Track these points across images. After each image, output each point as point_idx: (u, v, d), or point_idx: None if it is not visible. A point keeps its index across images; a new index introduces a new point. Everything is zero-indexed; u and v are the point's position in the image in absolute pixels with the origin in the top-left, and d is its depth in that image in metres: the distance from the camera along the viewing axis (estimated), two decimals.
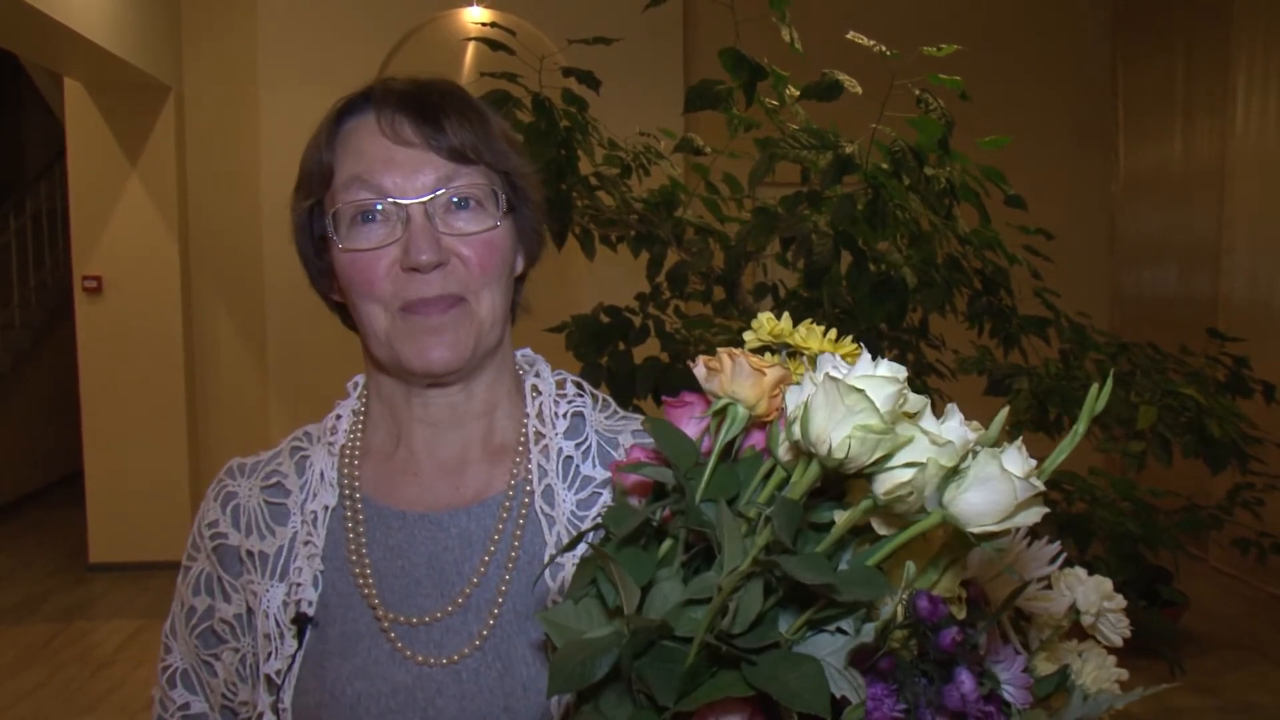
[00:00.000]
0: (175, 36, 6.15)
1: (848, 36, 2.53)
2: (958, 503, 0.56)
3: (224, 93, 6.22)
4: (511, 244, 0.98)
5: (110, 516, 6.07)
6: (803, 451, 0.59)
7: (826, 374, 0.57)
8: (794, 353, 0.74)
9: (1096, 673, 0.75)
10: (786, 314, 0.74)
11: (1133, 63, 6.89)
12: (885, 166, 2.40)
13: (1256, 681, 4.46)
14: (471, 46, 5.87)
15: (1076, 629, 0.78)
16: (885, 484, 0.57)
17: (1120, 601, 0.78)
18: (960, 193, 2.54)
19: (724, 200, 3.04)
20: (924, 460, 0.56)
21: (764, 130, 2.64)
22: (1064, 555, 0.74)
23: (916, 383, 2.94)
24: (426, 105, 0.93)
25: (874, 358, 0.59)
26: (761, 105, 2.62)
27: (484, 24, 3.22)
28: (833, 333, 0.73)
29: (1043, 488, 0.56)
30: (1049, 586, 0.76)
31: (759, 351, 0.74)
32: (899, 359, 2.93)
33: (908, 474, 0.56)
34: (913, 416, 0.57)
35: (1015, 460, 0.56)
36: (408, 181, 0.92)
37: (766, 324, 0.74)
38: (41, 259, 8.39)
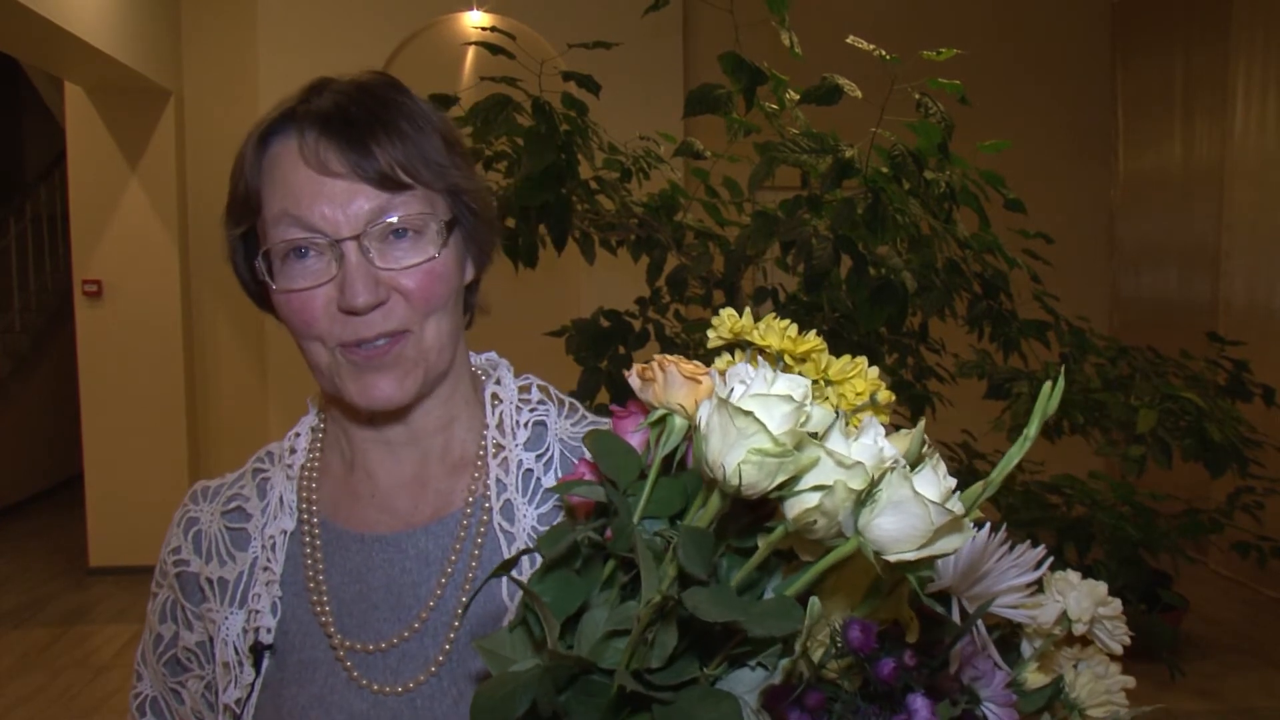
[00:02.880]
0: (175, 41, 6.16)
1: (847, 41, 2.54)
2: (872, 529, 0.51)
3: (224, 97, 6.22)
4: (456, 263, 0.91)
5: (110, 520, 6.06)
6: (707, 476, 0.54)
7: (718, 396, 0.52)
8: (759, 350, 0.70)
9: (1093, 684, 0.69)
10: (748, 310, 0.70)
11: (1132, 66, 6.89)
12: (885, 170, 2.40)
13: (1257, 685, 4.46)
14: (471, 51, 5.88)
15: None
16: (794, 509, 0.52)
17: (1116, 606, 0.71)
18: (960, 197, 2.54)
19: (724, 204, 3.04)
20: (831, 483, 0.51)
21: (764, 134, 2.64)
22: (1050, 559, 0.66)
23: (916, 387, 2.94)
24: (351, 126, 0.86)
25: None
26: (761, 109, 2.62)
27: (484, 28, 3.23)
28: (793, 328, 0.68)
29: (960, 511, 0.50)
30: (1040, 591, 0.71)
31: (729, 349, 0.71)
32: (899, 363, 2.94)
33: (815, 498, 0.51)
34: (818, 435, 0.52)
35: (929, 482, 0.50)
36: (338, 215, 0.85)
37: (727, 320, 0.70)
38: (42, 263, 8.39)
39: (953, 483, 0.51)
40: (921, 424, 0.56)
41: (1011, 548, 0.64)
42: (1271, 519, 3.97)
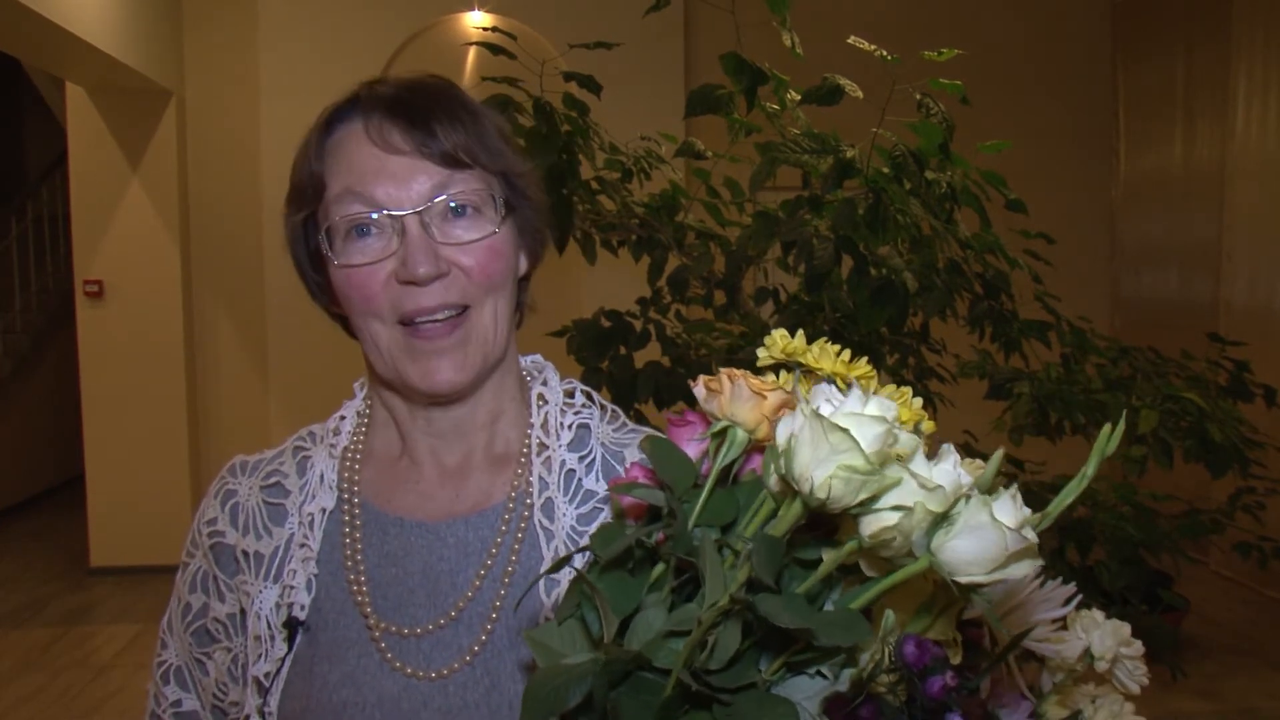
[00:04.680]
0: (177, 41, 6.16)
1: (848, 41, 2.54)
2: (945, 550, 0.53)
3: (225, 97, 6.23)
4: (513, 247, 0.95)
5: (111, 520, 6.06)
6: (788, 487, 0.56)
7: (812, 410, 0.54)
8: (808, 370, 0.71)
9: None
10: (801, 332, 0.71)
11: (1133, 67, 6.89)
12: (886, 171, 2.40)
13: (1257, 686, 4.46)
14: (473, 51, 5.88)
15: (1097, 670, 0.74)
16: (871, 526, 0.54)
17: (1138, 647, 0.74)
18: (961, 197, 2.54)
19: (725, 204, 3.04)
20: (911, 504, 0.53)
21: (765, 134, 2.65)
22: (1079, 597, 0.70)
23: (917, 387, 2.94)
24: (415, 109, 0.90)
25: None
26: (762, 110, 2.63)
27: (485, 28, 3.23)
28: (846, 353, 0.70)
29: (1036, 539, 0.53)
30: (1065, 627, 0.73)
31: (774, 369, 0.72)
32: (900, 363, 2.94)
33: (894, 517, 0.53)
34: (903, 457, 0.54)
35: (1008, 509, 0.52)
36: (401, 191, 0.89)
37: (779, 341, 0.71)
38: (43, 263, 8.39)
39: (1028, 512, 0.53)
40: (999, 453, 0.58)
41: (1043, 584, 0.68)
42: (1273, 519, 3.97)
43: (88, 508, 6.13)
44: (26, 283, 8.21)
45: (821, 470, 0.53)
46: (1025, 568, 0.53)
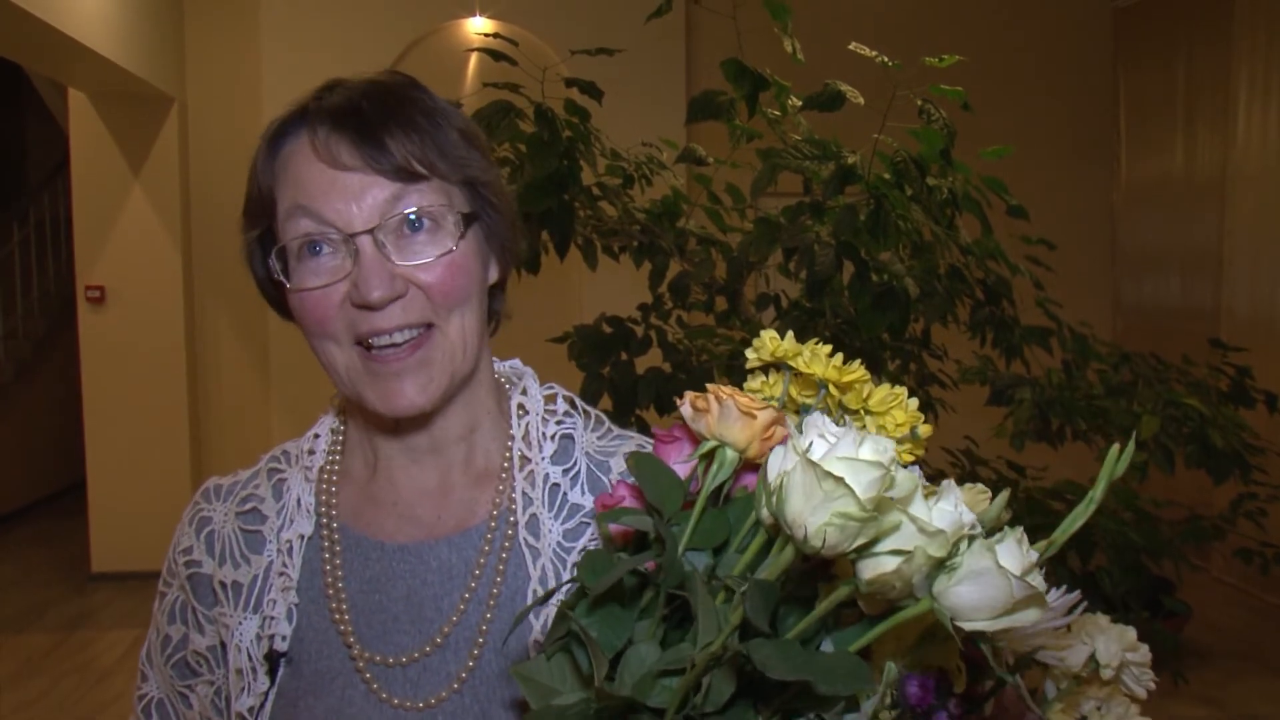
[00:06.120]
0: (178, 47, 6.17)
1: (850, 47, 2.54)
2: (948, 595, 0.50)
3: (227, 103, 6.24)
4: (478, 257, 0.89)
5: (112, 526, 6.06)
6: (781, 529, 0.53)
7: (804, 454, 0.51)
8: (798, 374, 0.69)
9: None
10: (790, 334, 0.69)
11: (1134, 73, 6.90)
12: (887, 177, 2.41)
13: (1259, 692, 4.45)
14: (474, 57, 5.88)
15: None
16: (869, 571, 0.51)
17: (1145, 653, 0.71)
18: (962, 203, 2.54)
19: (726, 210, 3.04)
20: (911, 549, 0.50)
21: (766, 140, 2.65)
22: (1084, 605, 0.66)
23: (919, 393, 2.94)
24: (364, 121, 0.84)
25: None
26: (764, 116, 2.63)
27: (487, 35, 3.23)
28: (838, 357, 0.67)
29: (1043, 587, 0.50)
30: (1069, 629, 0.71)
31: (763, 370, 0.70)
32: (901, 369, 2.94)
33: (893, 563, 0.50)
34: (900, 500, 0.51)
35: (1012, 554, 0.49)
36: (351, 208, 0.83)
37: (769, 343, 0.68)
38: (44, 268, 8.39)
39: (1035, 556, 0.50)
40: (1004, 494, 0.55)
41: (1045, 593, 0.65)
42: (1274, 525, 3.97)
43: (89, 513, 6.13)
44: (28, 288, 8.21)
45: (815, 518, 0.50)
46: (1032, 615, 0.50)
